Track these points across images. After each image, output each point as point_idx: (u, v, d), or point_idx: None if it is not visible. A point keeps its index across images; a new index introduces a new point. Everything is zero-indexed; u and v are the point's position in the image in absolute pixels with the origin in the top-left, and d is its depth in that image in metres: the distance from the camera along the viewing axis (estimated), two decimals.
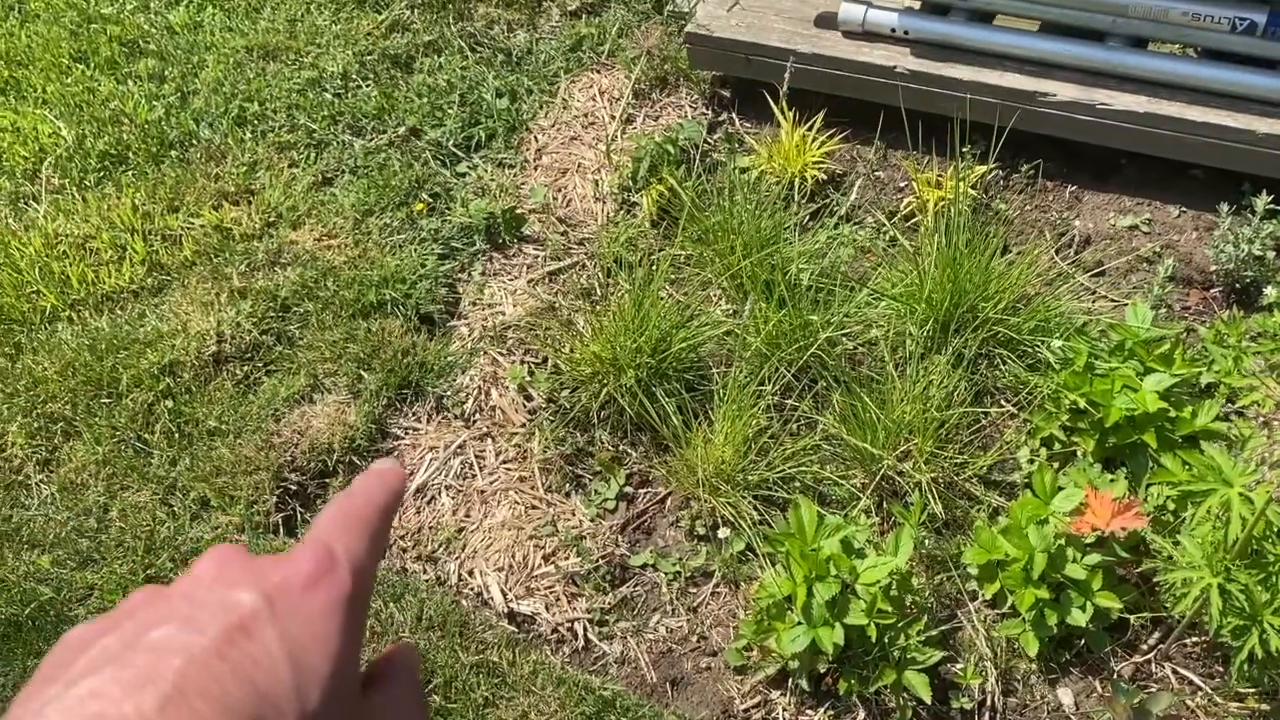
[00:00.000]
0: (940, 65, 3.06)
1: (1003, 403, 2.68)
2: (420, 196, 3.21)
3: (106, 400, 2.76)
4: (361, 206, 3.19)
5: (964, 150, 2.90)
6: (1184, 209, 2.97)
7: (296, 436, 2.66)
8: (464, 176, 3.31)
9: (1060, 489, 2.25)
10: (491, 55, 3.68)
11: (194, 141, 3.47)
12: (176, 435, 2.69)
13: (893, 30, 3.13)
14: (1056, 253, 2.96)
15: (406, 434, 2.70)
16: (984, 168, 2.99)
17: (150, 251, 3.11)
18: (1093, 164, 3.08)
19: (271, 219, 3.18)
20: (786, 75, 2.94)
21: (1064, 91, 2.94)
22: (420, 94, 3.53)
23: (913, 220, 3.05)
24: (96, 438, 2.69)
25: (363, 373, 2.77)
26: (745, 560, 2.46)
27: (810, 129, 3.15)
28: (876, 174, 3.24)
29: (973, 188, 2.99)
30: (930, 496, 2.45)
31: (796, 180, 3.10)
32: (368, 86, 3.59)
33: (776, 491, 2.50)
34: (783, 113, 3.19)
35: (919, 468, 2.47)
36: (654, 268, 2.97)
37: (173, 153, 3.44)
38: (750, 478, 2.50)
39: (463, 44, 3.70)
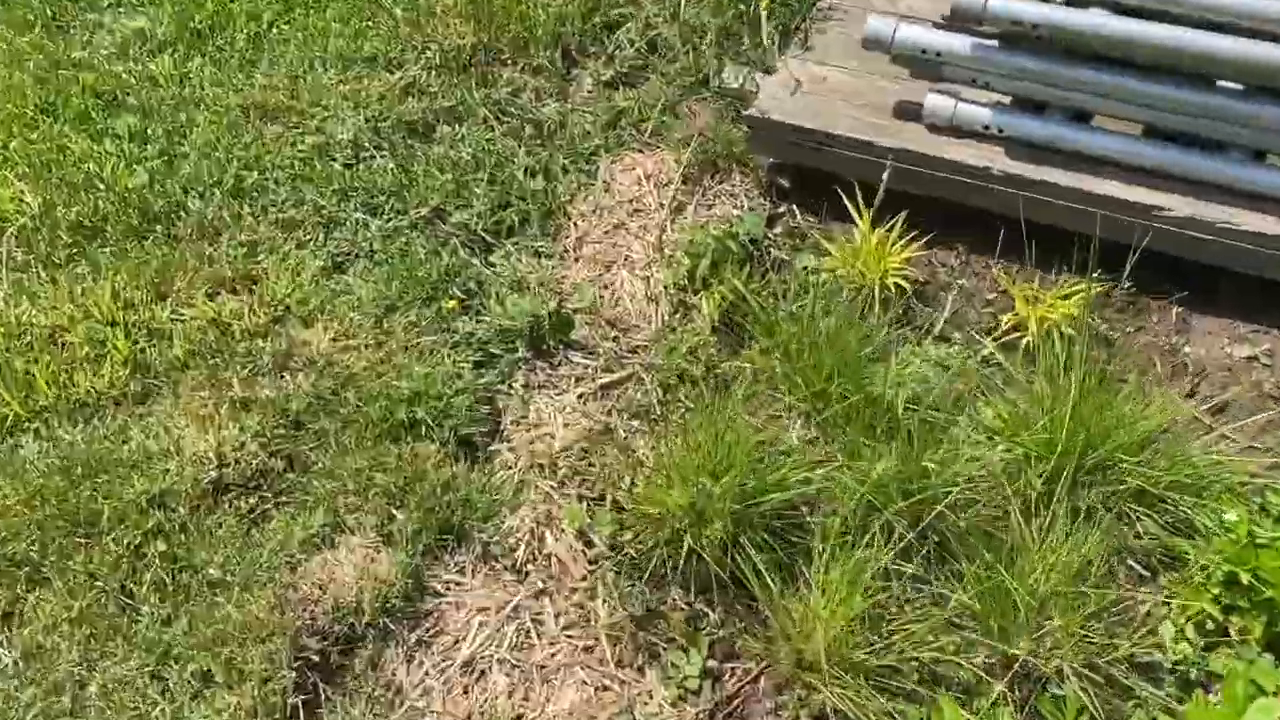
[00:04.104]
0: (1039, 169, 2.69)
1: (1131, 564, 2.30)
2: (451, 291, 2.73)
3: (83, 539, 2.24)
4: (382, 300, 2.71)
5: (1093, 273, 2.53)
6: None
7: (316, 591, 2.17)
8: (496, 268, 2.85)
9: (1252, 699, 1.86)
10: (519, 126, 3.22)
11: (183, 214, 2.95)
12: (170, 587, 2.18)
13: (985, 127, 2.75)
14: (1170, 383, 2.60)
15: (449, 589, 2.22)
16: (1098, 286, 2.62)
17: (134, 349, 2.59)
18: (1198, 280, 2.72)
19: (278, 313, 2.68)
20: (885, 176, 2.54)
21: (1179, 206, 2.59)
22: (442, 168, 3.06)
23: (1009, 336, 2.66)
24: (70, 589, 2.16)
25: (394, 510, 2.29)
26: None
27: (890, 230, 2.76)
28: (960, 282, 2.85)
29: (1080, 308, 2.61)
30: (1074, 682, 2.04)
31: (877, 288, 2.70)
32: (382, 157, 3.11)
33: (891, 678, 2.07)
34: (858, 210, 2.79)
35: (1059, 649, 2.07)
36: (729, 390, 2.55)
37: (158, 227, 2.91)
38: (860, 656, 2.07)
39: (487, 112, 3.25)
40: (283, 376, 2.54)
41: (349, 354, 2.58)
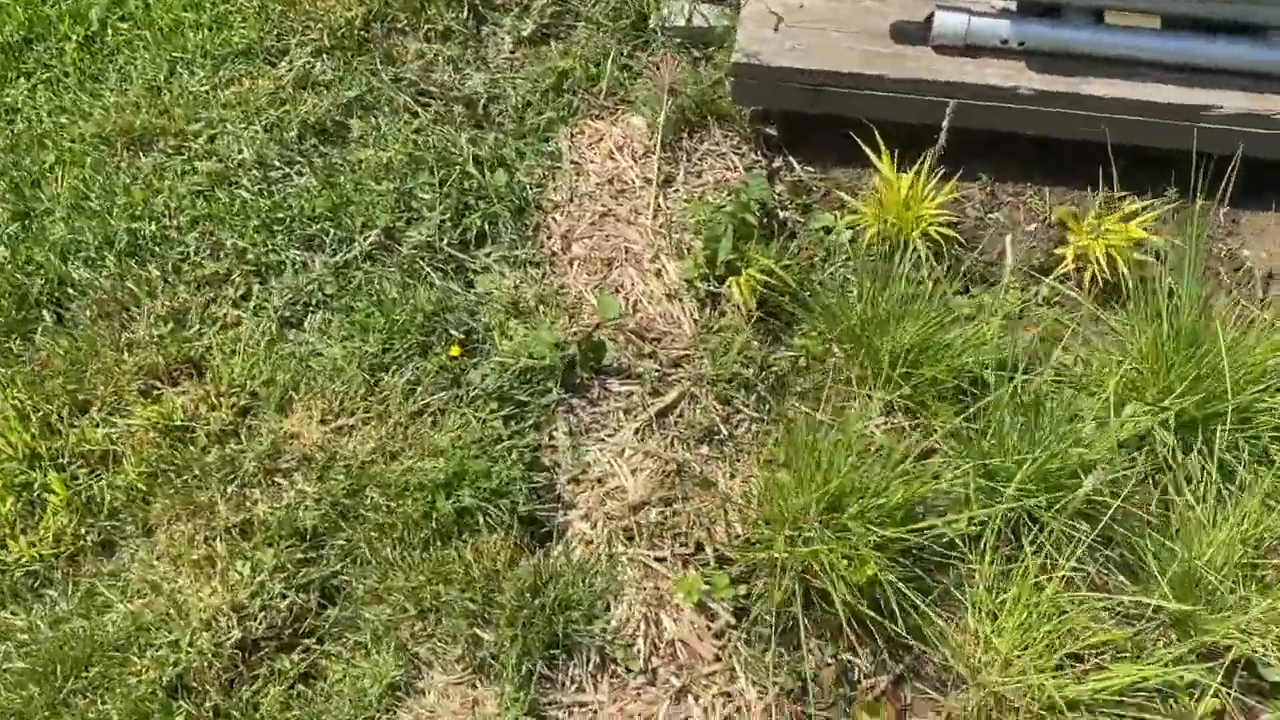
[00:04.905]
0: (1071, 81, 2.41)
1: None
2: (446, 333, 2.26)
3: None
4: (365, 360, 2.21)
5: (1140, 186, 2.29)
6: None
7: None
8: (477, 289, 2.38)
9: None
10: (447, 109, 2.70)
11: (73, 292, 2.33)
12: None
13: (1004, 41, 2.44)
14: (1239, 290, 2.42)
15: (574, 714, 1.83)
16: (1152, 202, 2.39)
17: (73, 487, 2.02)
18: (1241, 177, 2.53)
19: (243, 401, 2.15)
20: (946, 120, 2.19)
21: (1231, 102, 2.37)
22: (375, 178, 2.53)
23: (1061, 269, 2.41)
24: None
25: (479, 631, 1.86)
26: None
27: (917, 172, 2.43)
28: (993, 216, 2.57)
29: (1144, 229, 2.38)
30: None
31: (920, 243, 2.38)
32: (299, 174, 2.55)
33: (1101, 705, 1.83)
34: (878, 154, 2.46)
35: (1257, 625, 1.88)
36: (787, 387, 2.22)
37: (44, 314, 2.29)
38: (1058, 688, 1.81)
39: (405, 98, 2.71)
40: (277, 484, 2.03)
41: (349, 438, 2.09)
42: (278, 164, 2.55)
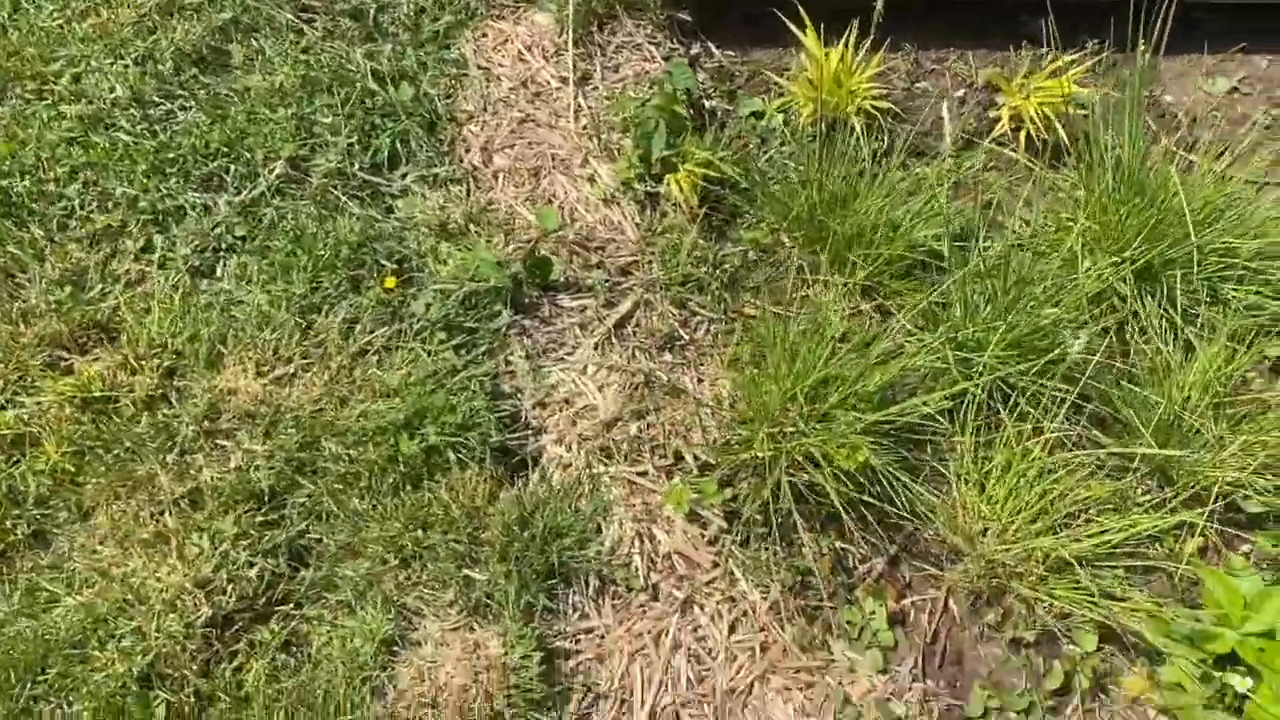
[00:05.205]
0: None
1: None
2: (376, 264, 2.10)
3: None
4: (291, 300, 2.04)
5: (1078, 40, 2.25)
6: (1272, 57, 2.51)
7: (427, 710, 1.65)
8: (400, 213, 2.22)
9: None
10: (334, 23, 2.49)
11: None
12: None
13: None
14: (1167, 137, 2.43)
15: (581, 641, 1.76)
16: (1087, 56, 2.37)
17: None
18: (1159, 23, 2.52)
19: (166, 361, 1.96)
20: None
21: None
22: (269, 105, 2.32)
23: (997, 131, 2.38)
24: None
25: (469, 571, 1.76)
26: (1105, 658, 1.82)
27: (846, 45, 2.35)
28: (921, 85, 2.52)
29: (1077, 83, 2.36)
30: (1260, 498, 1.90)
31: (858, 120, 2.31)
32: (184, 109, 2.32)
33: (1094, 561, 1.84)
34: (803, 31, 2.37)
35: (1232, 461, 1.91)
36: (738, 283, 2.15)
37: None
38: (1053, 546, 1.82)
39: (287, 15, 2.48)
40: (220, 446, 1.87)
41: (290, 387, 1.94)
42: (157, 100, 2.32)
